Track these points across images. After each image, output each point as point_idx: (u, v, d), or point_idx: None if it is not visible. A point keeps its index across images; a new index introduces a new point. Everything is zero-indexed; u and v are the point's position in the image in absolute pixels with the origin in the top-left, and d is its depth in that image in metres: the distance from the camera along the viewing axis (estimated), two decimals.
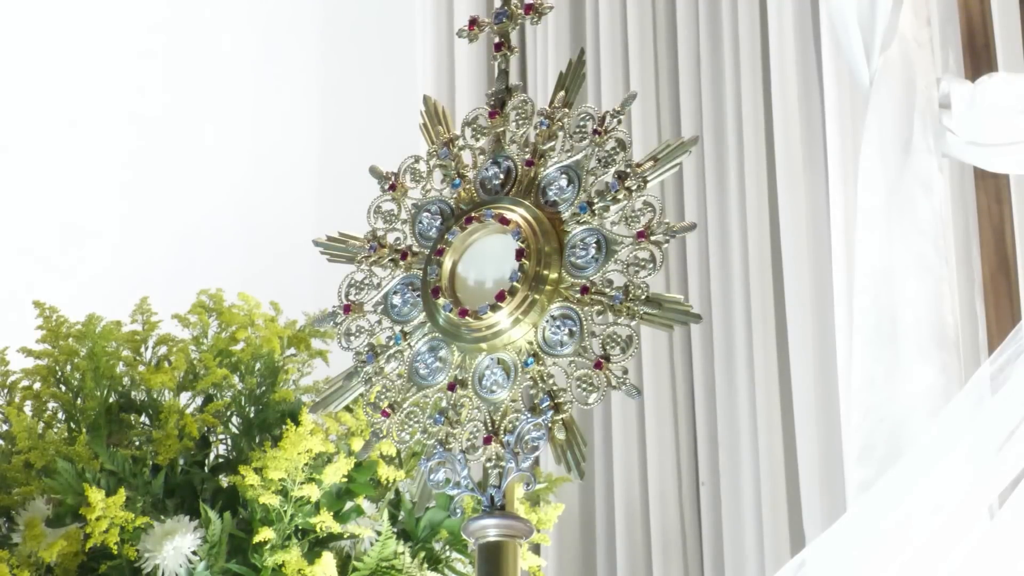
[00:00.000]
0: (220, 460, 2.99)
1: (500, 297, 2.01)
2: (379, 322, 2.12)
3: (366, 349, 2.11)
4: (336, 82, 4.81)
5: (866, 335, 3.22)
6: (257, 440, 2.97)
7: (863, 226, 3.29)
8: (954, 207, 3.49)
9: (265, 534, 2.77)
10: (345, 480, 2.85)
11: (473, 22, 2.22)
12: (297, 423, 2.83)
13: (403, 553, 2.85)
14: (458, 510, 2.10)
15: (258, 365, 3.03)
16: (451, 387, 2.05)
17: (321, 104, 4.81)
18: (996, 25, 3.58)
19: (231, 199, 4.59)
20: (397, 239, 2.16)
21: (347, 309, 2.14)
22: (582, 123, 2.08)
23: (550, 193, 2.07)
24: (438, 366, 2.07)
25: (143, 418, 3.01)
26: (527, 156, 2.11)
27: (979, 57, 3.60)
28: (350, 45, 4.81)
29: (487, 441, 2.00)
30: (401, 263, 2.14)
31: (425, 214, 2.15)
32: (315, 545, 2.83)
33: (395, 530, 2.86)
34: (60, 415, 3.02)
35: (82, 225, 4.51)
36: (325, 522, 2.80)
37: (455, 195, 2.14)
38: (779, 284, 3.82)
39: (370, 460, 2.88)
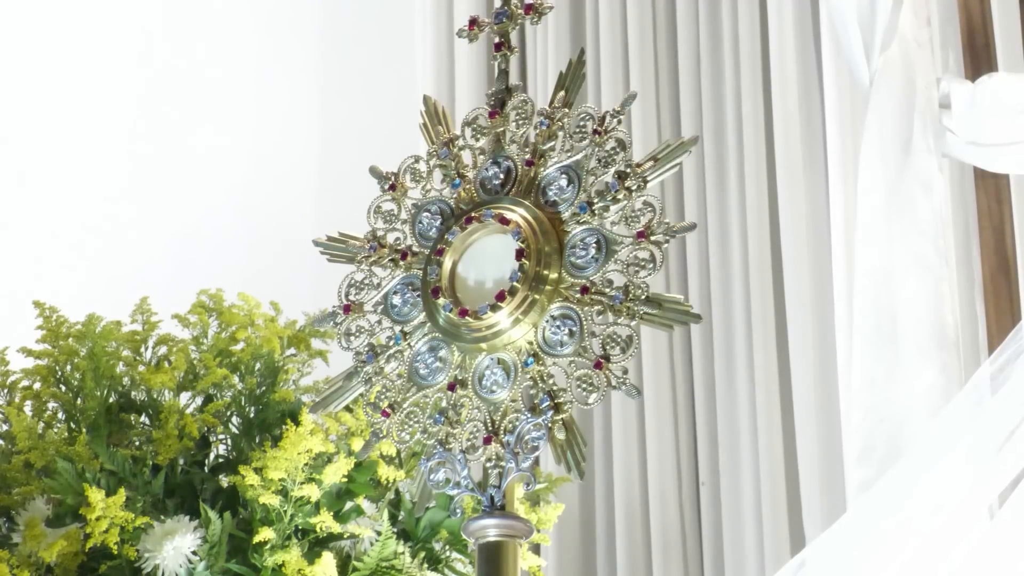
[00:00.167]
0: (220, 460, 2.99)
1: (500, 297, 2.01)
2: (379, 322, 2.12)
3: (366, 349, 2.11)
4: (336, 82, 4.81)
5: (866, 335, 3.22)
6: (257, 440, 2.97)
7: (863, 226, 3.29)
8: (954, 207, 3.49)
9: (265, 534, 2.77)
10: (345, 480, 2.85)
11: (473, 22, 2.22)
12: (297, 423, 2.83)
13: (403, 553, 2.85)
14: (458, 510, 2.10)
15: (258, 365, 3.03)
16: (451, 387, 2.05)
17: (321, 104, 4.81)
18: (996, 25, 3.58)
19: (231, 199, 4.59)
20: (397, 239, 2.16)
21: (347, 309, 2.14)
22: (582, 123, 2.08)
23: (550, 193, 2.07)
24: (438, 366, 2.07)
25: (143, 418, 3.01)
26: (527, 156, 2.11)
27: (979, 57, 3.60)
28: (350, 45, 4.82)
29: (487, 441, 2.00)
30: (401, 263, 2.14)
31: (425, 214, 2.15)
32: (315, 545, 2.83)
33: (395, 530, 2.86)
34: (60, 415, 3.02)
35: (82, 225, 4.51)
36: (325, 522, 2.80)
37: (455, 195, 2.14)
38: (779, 284, 3.82)
39: (370, 460, 2.88)
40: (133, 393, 3.02)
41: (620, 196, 2.03)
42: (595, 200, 2.04)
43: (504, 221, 2.05)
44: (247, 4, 4.84)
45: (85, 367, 2.98)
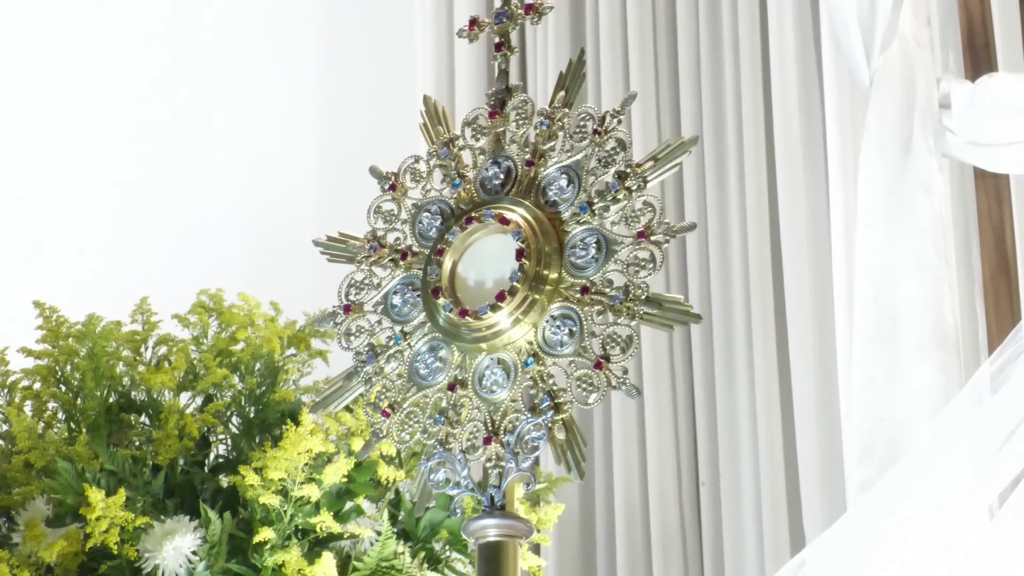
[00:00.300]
0: (220, 460, 2.99)
1: (500, 297, 2.01)
2: (379, 322, 2.12)
3: (366, 349, 2.11)
4: (336, 82, 4.81)
5: (866, 335, 3.22)
6: (257, 440, 2.97)
7: (863, 226, 3.29)
8: (954, 207, 3.50)
9: (265, 534, 2.77)
10: (345, 480, 2.85)
11: (473, 22, 2.22)
12: (297, 423, 2.83)
13: (403, 553, 2.85)
14: (458, 510, 2.10)
15: (258, 365, 3.03)
16: (451, 387, 2.05)
17: (321, 104, 4.81)
18: (996, 25, 3.58)
19: (231, 199, 4.59)
20: (397, 239, 2.16)
21: (347, 309, 2.14)
22: (582, 123, 2.08)
23: (550, 193, 2.07)
24: (438, 366, 2.07)
25: (143, 418, 3.01)
26: (527, 156, 2.11)
27: (979, 57, 3.60)
28: (350, 45, 4.81)
29: (487, 441, 2.00)
30: (401, 263, 2.14)
31: (425, 214, 2.15)
32: (315, 545, 2.83)
33: (395, 530, 2.86)
34: (60, 415, 3.02)
35: (82, 225, 4.51)
36: (325, 522, 2.80)
37: (455, 195, 2.14)
38: (779, 284, 3.82)
39: (370, 460, 2.88)
40: (133, 393, 3.02)
41: (620, 196, 2.03)
42: (595, 200, 2.04)
43: (504, 221, 2.05)
44: (247, 4, 4.84)
45: (85, 367, 2.98)
